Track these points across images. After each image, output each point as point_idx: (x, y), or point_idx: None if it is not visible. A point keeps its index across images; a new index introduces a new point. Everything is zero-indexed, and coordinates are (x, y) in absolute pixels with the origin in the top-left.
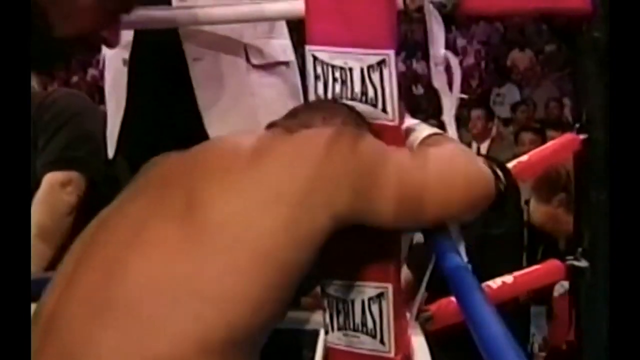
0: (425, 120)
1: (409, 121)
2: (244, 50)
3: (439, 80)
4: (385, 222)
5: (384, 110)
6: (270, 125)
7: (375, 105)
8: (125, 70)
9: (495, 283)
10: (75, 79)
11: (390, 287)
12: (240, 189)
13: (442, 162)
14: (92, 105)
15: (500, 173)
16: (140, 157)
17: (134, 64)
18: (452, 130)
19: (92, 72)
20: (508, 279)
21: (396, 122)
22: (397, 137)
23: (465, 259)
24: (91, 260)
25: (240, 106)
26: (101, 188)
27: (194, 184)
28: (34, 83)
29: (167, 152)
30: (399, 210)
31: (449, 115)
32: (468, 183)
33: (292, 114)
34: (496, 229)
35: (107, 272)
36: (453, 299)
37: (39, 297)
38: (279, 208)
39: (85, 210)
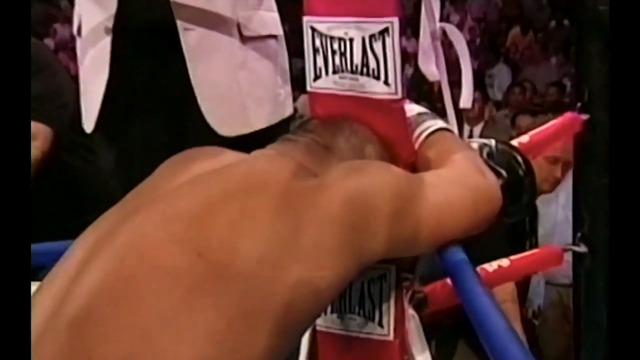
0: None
1: (413, 107)
2: (237, 21)
3: (425, 62)
4: (411, 253)
5: (386, 82)
6: (285, 140)
7: (377, 77)
8: (108, 39)
9: (490, 266)
10: None
11: (392, 269)
12: (265, 236)
13: (454, 188)
14: (58, 60)
15: (505, 172)
16: (123, 135)
17: (118, 33)
18: (450, 112)
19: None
20: (504, 262)
21: (398, 95)
22: (399, 111)
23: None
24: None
25: (234, 79)
26: (74, 161)
27: (214, 216)
28: None
29: (193, 150)
30: (424, 241)
31: (447, 99)
32: (476, 208)
33: (308, 129)
34: (509, 218)
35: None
36: (448, 281)
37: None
38: (304, 264)
39: (44, 174)
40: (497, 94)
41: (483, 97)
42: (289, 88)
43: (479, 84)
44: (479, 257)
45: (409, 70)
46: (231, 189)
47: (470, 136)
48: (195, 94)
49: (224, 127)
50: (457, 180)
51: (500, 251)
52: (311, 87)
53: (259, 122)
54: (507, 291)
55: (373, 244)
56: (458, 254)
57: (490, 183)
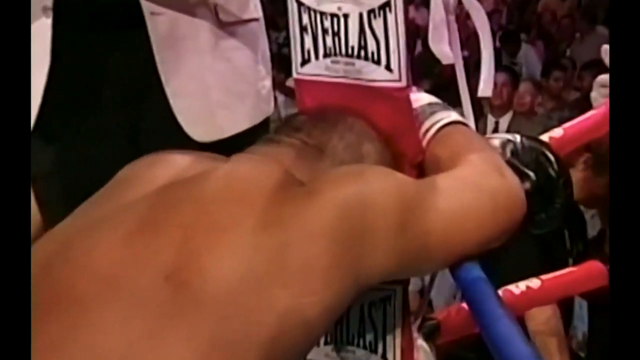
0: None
1: (422, 97)
2: (213, 2)
3: (436, 41)
4: (419, 273)
5: (388, 67)
6: (268, 140)
7: (377, 62)
8: (48, 22)
9: (517, 288)
10: None
11: (398, 290)
12: (245, 255)
13: (468, 194)
14: None
15: (533, 173)
16: (68, 137)
17: (60, 14)
18: (466, 101)
19: None
20: (534, 282)
21: (403, 83)
22: (404, 103)
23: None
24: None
25: (208, 71)
26: None
27: (192, 231)
28: None
29: (160, 154)
30: (434, 258)
31: (463, 85)
32: (495, 217)
33: (295, 127)
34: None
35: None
36: (464, 305)
37: None
38: (291, 288)
39: None
40: (529, 76)
41: (511, 81)
42: (270, 80)
43: (505, 63)
44: (505, 277)
45: (418, 49)
46: (204, 201)
47: (496, 130)
48: (163, 90)
49: (199, 129)
50: (473, 184)
51: (531, 270)
52: (298, 73)
53: (241, 122)
54: (542, 319)
55: (372, 264)
56: (474, 272)
57: (511, 186)
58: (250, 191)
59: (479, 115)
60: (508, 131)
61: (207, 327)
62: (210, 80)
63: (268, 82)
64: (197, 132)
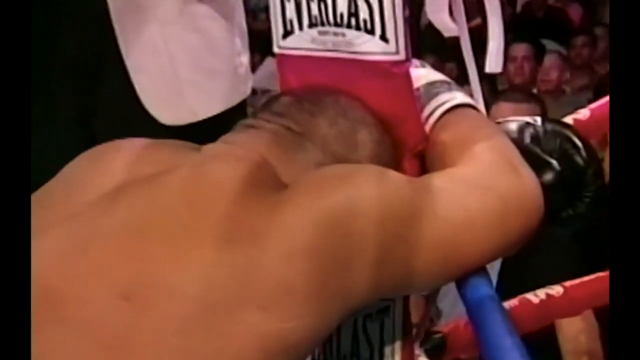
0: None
1: (424, 74)
2: None
3: (435, 10)
4: (416, 290)
5: (384, 37)
6: (245, 127)
7: (370, 31)
8: None
9: (536, 296)
10: None
11: (398, 300)
12: (213, 269)
13: (474, 195)
14: None
15: (556, 162)
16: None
17: None
18: (474, 79)
19: None
20: (555, 290)
21: (402, 55)
22: (403, 80)
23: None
24: None
25: (175, 43)
26: None
27: (152, 243)
28: None
29: (116, 144)
30: (434, 273)
31: (469, 59)
32: (506, 221)
33: (277, 111)
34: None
35: None
36: None
37: None
38: (267, 310)
39: None
40: (553, 46)
41: (535, 53)
42: (248, 56)
43: (527, 30)
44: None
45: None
46: (167, 206)
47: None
48: (123, 65)
49: (166, 111)
50: (479, 183)
51: (565, 275)
52: (279, 47)
53: (214, 104)
54: (569, 334)
55: (362, 285)
56: (481, 289)
57: (526, 186)
58: (218, 192)
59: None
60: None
61: (174, 355)
62: (177, 54)
63: (245, 59)
64: (164, 113)
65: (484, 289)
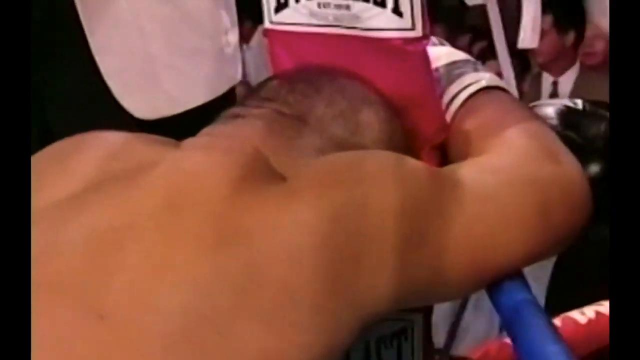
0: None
1: (444, 52)
2: None
3: None
4: (441, 298)
5: (397, 11)
6: (231, 116)
7: (381, 4)
8: None
9: (583, 315)
10: None
11: (417, 320)
12: (199, 279)
13: (508, 188)
14: None
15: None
16: None
17: None
18: (503, 56)
19: None
20: (606, 307)
21: (418, 32)
22: (420, 61)
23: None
24: None
25: (148, 18)
26: None
27: (128, 252)
28: None
29: (83, 137)
30: (461, 278)
31: (499, 34)
32: (546, 218)
33: (266, 96)
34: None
35: None
36: (508, 340)
37: None
38: (266, 325)
39: None
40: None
41: (558, 23)
42: (237, 33)
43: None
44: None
45: None
46: (143, 208)
47: (555, 94)
48: (87, 45)
49: (139, 101)
50: (513, 173)
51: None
52: (271, 22)
53: (197, 92)
54: None
55: (375, 289)
56: (518, 294)
57: (570, 175)
58: (202, 193)
59: (525, 74)
60: (572, 95)
61: None
62: (150, 31)
63: (234, 37)
64: (137, 104)
65: (521, 293)
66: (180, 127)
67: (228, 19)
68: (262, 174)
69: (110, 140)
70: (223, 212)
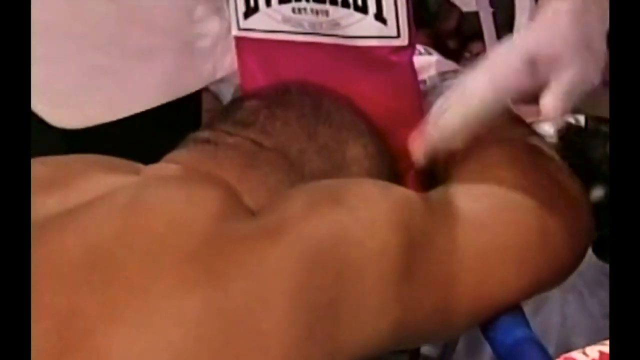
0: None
1: (430, 62)
2: None
3: None
4: (432, 339)
5: (380, 17)
6: (199, 142)
7: (362, 10)
8: None
9: (585, 355)
10: None
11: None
12: (164, 327)
13: (505, 214)
14: None
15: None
16: None
17: None
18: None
19: None
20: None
21: (403, 41)
22: (405, 73)
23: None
24: None
25: (87, 21)
26: None
27: (82, 301)
28: None
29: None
30: (455, 317)
31: (489, 38)
32: (545, 245)
33: (240, 119)
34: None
35: None
36: None
37: None
38: None
39: None
40: None
41: None
42: (220, 22)
43: None
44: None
45: None
46: (98, 248)
47: None
48: None
49: (63, 110)
50: (509, 198)
51: None
52: (240, 29)
53: (142, 98)
54: None
55: (358, 335)
56: (516, 331)
57: (571, 197)
58: (168, 232)
59: None
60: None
61: None
62: (84, 35)
63: (214, 26)
64: (63, 115)
65: (520, 330)
66: (117, 135)
67: (203, 7)
68: (238, 212)
69: (52, 164)
70: (191, 254)
